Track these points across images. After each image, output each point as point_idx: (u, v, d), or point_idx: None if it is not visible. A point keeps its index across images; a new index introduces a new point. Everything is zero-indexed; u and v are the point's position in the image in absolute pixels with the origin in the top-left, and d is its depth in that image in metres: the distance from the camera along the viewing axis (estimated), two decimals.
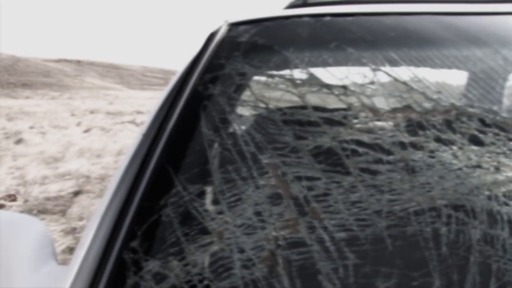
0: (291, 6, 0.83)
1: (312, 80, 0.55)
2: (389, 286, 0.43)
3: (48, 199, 3.80)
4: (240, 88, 0.57)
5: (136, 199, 0.50)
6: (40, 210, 3.55)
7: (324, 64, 0.57)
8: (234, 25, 0.68)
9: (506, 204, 0.47)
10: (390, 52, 0.57)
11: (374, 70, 0.55)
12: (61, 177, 4.39)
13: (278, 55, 0.59)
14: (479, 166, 0.49)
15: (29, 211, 3.50)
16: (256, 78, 0.58)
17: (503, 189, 0.48)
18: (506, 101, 0.57)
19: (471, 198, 0.48)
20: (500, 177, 0.48)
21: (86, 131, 7.57)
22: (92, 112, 10.87)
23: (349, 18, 0.64)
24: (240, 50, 0.61)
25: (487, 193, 0.48)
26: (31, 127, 7.71)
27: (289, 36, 0.64)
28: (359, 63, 0.56)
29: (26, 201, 3.72)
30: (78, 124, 8.48)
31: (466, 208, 0.47)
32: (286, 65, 0.58)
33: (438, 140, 0.51)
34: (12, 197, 3.80)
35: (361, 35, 0.60)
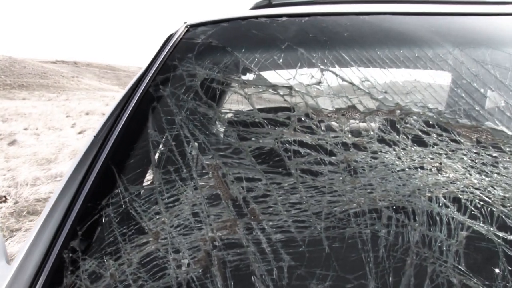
0: (256, 6, 0.84)
1: (259, 81, 0.56)
2: None
3: (38, 200, 3.83)
4: (190, 89, 0.58)
5: (81, 199, 0.51)
6: (29, 211, 3.58)
7: (274, 64, 0.58)
8: (192, 27, 0.70)
9: (446, 206, 0.48)
10: (341, 52, 0.58)
11: (322, 70, 0.57)
12: (53, 179, 4.43)
13: (229, 56, 0.60)
14: (421, 167, 0.50)
15: (19, 212, 3.53)
16: (207, 78, 0.59)
17: (444, 191, 0.48)
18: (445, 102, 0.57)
19: (413, 199, 0.48)
20: (442, 178, 0.49)
21: (81, 132, 7.64)
22: (87, 113, 10.97)
23: (305, 19, 0.66)
24: (194, 51, 0.63)
25: (428, 194, 0.48)
26: (26, 129, 7.80)
27: (243, 37, 0.65)
28: (308, 63, 0.57)
29: (16, 202, 3.76)
30: (73, 125, 8.56)
31: (407, 210, 0.48)
32: (236, 66, 0.59)
33: (381, 141, 0.51)
34: (2, 199, 3.83)
35: (314, 36, 0.62)
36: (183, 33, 0.68)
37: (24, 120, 9.05)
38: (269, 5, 0.82)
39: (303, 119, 0.53)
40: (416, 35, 0.61)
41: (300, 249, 0.47)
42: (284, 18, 0.66)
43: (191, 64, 0.61)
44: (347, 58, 0.58)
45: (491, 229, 0.46)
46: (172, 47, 0.66)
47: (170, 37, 0.70)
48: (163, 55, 0.64)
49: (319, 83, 0.55)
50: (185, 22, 0.72)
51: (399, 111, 0.52)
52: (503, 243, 0.46)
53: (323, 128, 0.51)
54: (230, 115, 0.55)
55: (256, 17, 0.67)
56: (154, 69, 0.63)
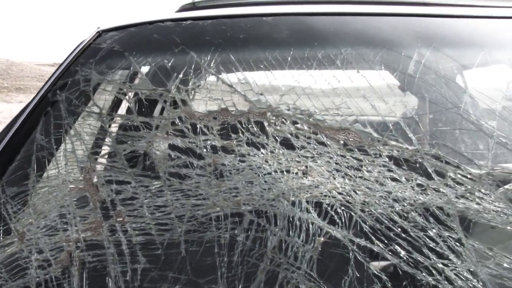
0: (181, 9, 0.91)
1: (142, 85, 0.63)
2: None
3: None
4: (83, 94, 0.66)
5: None
6: None
7: (162, 68, 0.64)
8: (104, 32, 0.77)
9: (308, 211, 0.51)
10: (230, 55, 0.63)
11: (206, 73, 0.62)
12: None
13: (124, 60, 0.67)
14: (288, 171, 0.54)
15: None
16: (99, 83, 0.66)
17: (307, 195, 0.52)
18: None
19: (276, 204, 0.52)
20: (307, 182, 0.53)
21: None
22: None
23: (208, 22, 0.72)
24: (96, 57, 0.70)
25: (292, 198, 0.52)
26: None
27: (144, 41, 0.72)
28: (196, 66, 0.63)
29: None
30: None
31: (269, 215, 0.52)
32: (127, 70, 0.66)
33: (250, 143, 0.56)
34: None
35: (210, 39, 0.67)
36: (94, 38, 0.76)
37: None
38: (194, 8, 0.89)
39: (176, 122, 0.59)
40: (312, 35, 0.66)
41: (157, 252, 0.52)
42: (188, 22, 0.72)
43: (90, 69, 0.68)
44: (235, 60, 0.63)
45: (347, 234, 0.50)
46: (79, 52, 0.73)
47: (81, 42, 0.78)
48: (68, 61, 0.72)
49: (198, 86, 0.61)
50: (98, 27, 0.80)
51: (269, 113, 0.57)
52: (356, 249, 0.49)
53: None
54: (112, 119, 0.62)
55: (163, 21, 0.74)
56: (56, 74, 0.70)
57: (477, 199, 0.50)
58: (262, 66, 0.61)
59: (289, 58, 0.62)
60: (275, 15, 0.70)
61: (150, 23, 0.75)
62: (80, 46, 0.75)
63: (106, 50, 0.71)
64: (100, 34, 0.77)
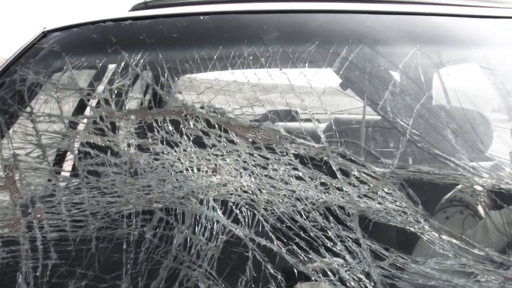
0: (134, 8, 0.95)
1: (71, 85, 0.66)
2: (78, 287, 0.51)
3: None
4: (17, 94, 0.70)
5: None
6: None
7: (92, 68, 0.67)
8: (50, 32, 0.81)
9: (214, 209, 0.53)
10: (159, 54, 0.66)
11: (133, 72, 0.65)
12: None
13: (60, 60, 0.71)
14: (198, 169, 0.56)
15: None
16: (34, 83, 0.70)
17: (215, 193, 0.54)
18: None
19: (185, 202, 0.54)
20: (215, 180, 0.55)
21: None
22: None
23: (147, 21, 0.75)
24: (36, 57, 0.74)
25: (200, 197, 0.54)
26: None
27: (82, 42, 0.75)
28: (124, 66, 0.66)
29: None
30: None
31: (177, 212, 0.54)
32: (61, 70, 0.70)
33: (165, 142, 0.58)
34: None
35: (144, 38, 0.70)
36: (38, 38, 0.81)
37: None
38: (146, 7, 0.93)
39: (97, 121, 0.62)
40: (244, 34, 0.68)
41: (69, 248, 0.55)
42: (128, 22, 0.75)
43: (27, 69, 0.72)
44: (163, 59, 0.65)
45: (249, 233, 0.51)
46: (22, 52, 0.78)
47: (26, 43, 0.82)
48: (10, 60, 0.77)
49: (123, 85, 0.64)
50: (44, 27, 0.85)
51: (184, 112, 0.59)
52: (256, 248, 0.50)
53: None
54: (43, 118, 0.65)
55: (104, 21, 0.77)
56: None
57: (379, 199, 0.50)
58: (187, 65, 0.64)
59: (215, 57, 0.64)
60: (213, 14, 0.73)
61: (92, 23, 0.78)
62: (24, 46, 0.80)
63: (46, 51, 0.75)
64: (45, 34, 0.81)
